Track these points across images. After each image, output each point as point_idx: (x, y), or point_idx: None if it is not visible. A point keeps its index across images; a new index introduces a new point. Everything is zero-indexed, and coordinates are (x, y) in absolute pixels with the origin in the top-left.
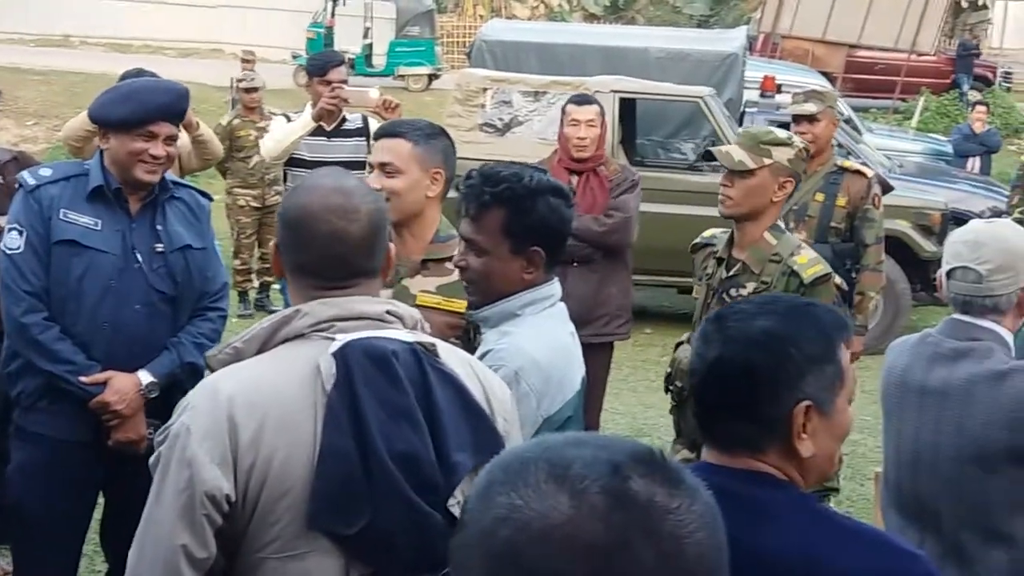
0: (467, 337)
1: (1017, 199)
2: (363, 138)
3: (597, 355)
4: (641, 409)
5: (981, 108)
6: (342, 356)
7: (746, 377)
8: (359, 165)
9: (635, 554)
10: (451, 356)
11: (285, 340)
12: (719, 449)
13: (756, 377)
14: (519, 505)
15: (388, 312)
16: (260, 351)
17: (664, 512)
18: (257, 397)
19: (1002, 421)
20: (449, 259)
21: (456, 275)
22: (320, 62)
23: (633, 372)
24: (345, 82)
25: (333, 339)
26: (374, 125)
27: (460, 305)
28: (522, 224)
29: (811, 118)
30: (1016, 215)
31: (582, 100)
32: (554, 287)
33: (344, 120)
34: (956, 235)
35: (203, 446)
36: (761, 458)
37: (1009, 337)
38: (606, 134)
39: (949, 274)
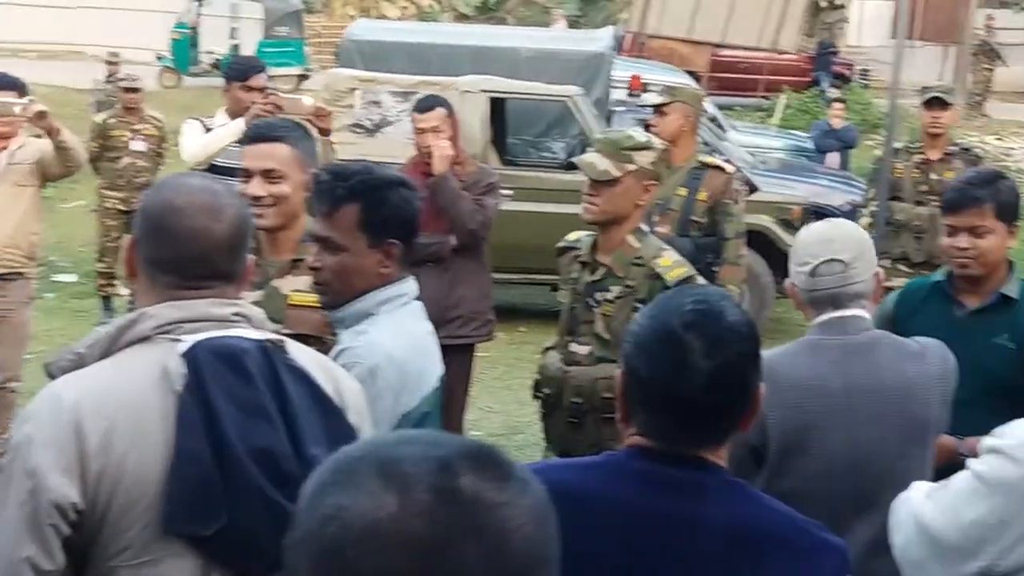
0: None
1: (873, 193)
2: None
3: (456, 357)
4: (516, 407)
5: (839, 105)
6: (191, 357)
7: (744, 375)
8: None
9: (461, 550)
10: (301, 352)
11: (129, 344)
12: (682, 444)
13: (749, 372)
14: (346, 504)
15: (235, 314)
16: (103, 356)
17: (491, 507)
18: (104, 402)
19: (935, 398)
20: None
21: None
22: (241, 68)
23: (508, 370)
24: (265, 88)
25: (180, 340)
26: None
27: None
28: (378, 216)
29: (661, 109)
30: (869, 211)
31: (424, 106)
32: (410, 284)
33: None
34: (803, 240)
35: (47, 455)
36: (713, 450)
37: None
38: (459, 134)
39: (813, 272)
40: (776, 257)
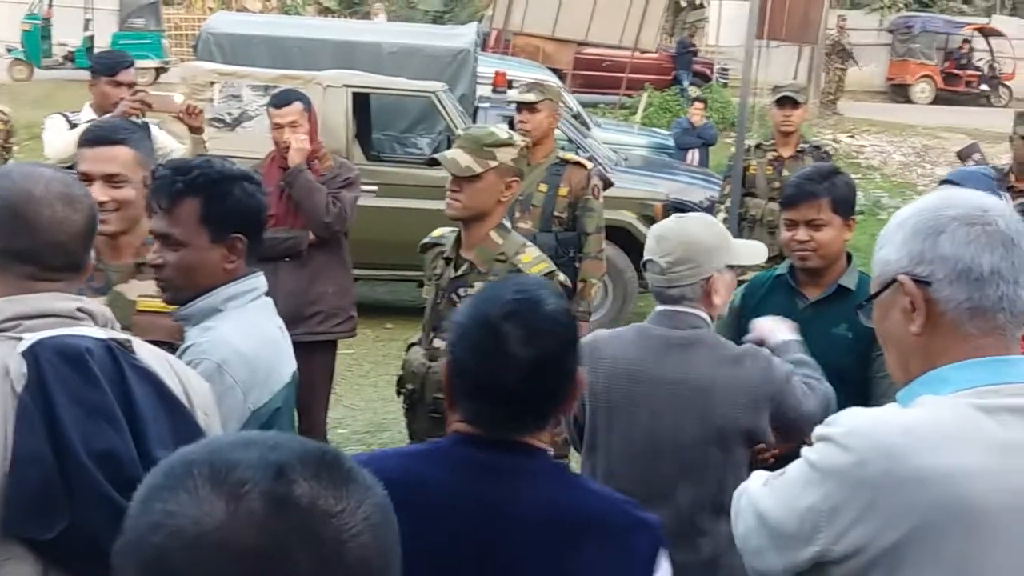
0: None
1: (728, 189)
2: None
3: (316, 354)
4: (381, 404)
5: (699, 104)
6: (32, 355)
7: (562, 363)
8: None
9: (293, 561)
10: (147, 352)
11: None
12: (504, 430)
13: (567, 360)
14: (174, 511)
15: (79, 309)
16: None
17: (326, 516)
18: None
19: (745, 403)
20: None
21: None
22: (108, 62)
23: (374, 367)
24: (134, 84)
25: (20, 339)
26: (157, 133)
27: None
28: (220, 210)
29: (531, 107)
30: (725, 207)
31: (281, 101)
32: (258, 280)
33: None
34: (650, 231)
35: None
36: (535, 434)
37: (709, 320)
38: (317, 128)
39: (644, 267)
40: (638, 252)
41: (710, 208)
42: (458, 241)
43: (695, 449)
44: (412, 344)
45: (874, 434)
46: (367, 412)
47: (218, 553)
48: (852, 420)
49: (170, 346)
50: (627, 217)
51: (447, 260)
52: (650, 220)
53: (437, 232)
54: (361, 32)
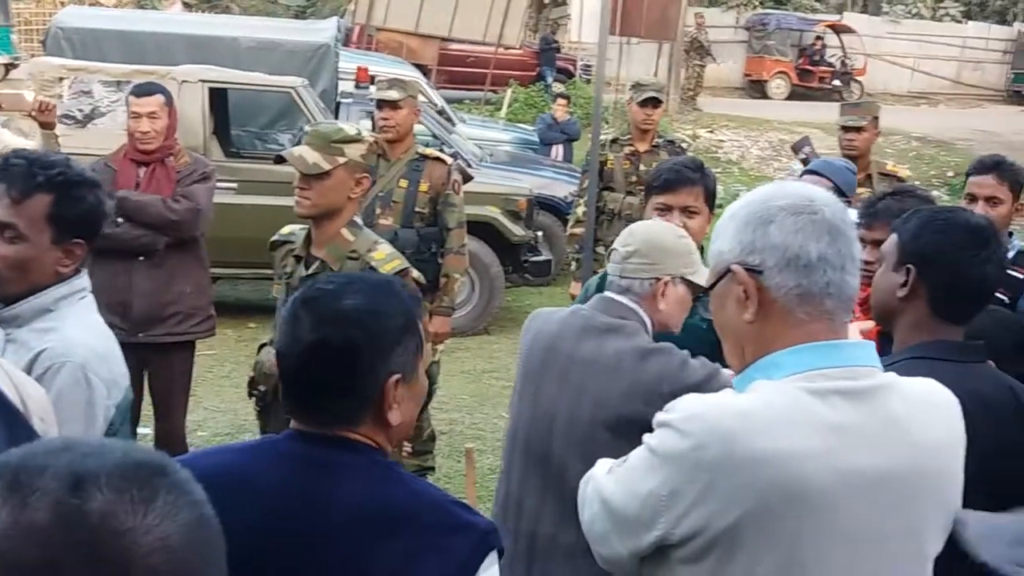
0: None
1: (586, 183)
2: None
3: (175, 356)
4: (243, 405)
5: (562, 99)
6: None
7: (348, 355)
8: None
9: None
10: None
11: None
12: (316, 423)
13: (356, 355)
14: None
15: None
16: None
17: (116, 534)
18: None
19: (640, 394)
20: None
21: None
22: None
23: (236, 368)
24: None
25: None
26: (1, 132)
27: None
28: (69, 212)
29: (394, 104)
30: (583, 201)
31: (143, 91)
32: (84, 279)
33: None
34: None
35: None
36: (354, 429)
37: (649, 321)
38: (176, 125)
39: (609, 254)
40: (504, 248)
41: (572, 203)
42: (308, 239)
43: (586, 426)
44: (264, 345)
45: (711, 418)
46: (228, 414)
47: None
48: (690, 405)
49: None
50: (492, 212)
51: (297, 258)
52: (515, 215)
53: (286, 229)
54: (218, 27)
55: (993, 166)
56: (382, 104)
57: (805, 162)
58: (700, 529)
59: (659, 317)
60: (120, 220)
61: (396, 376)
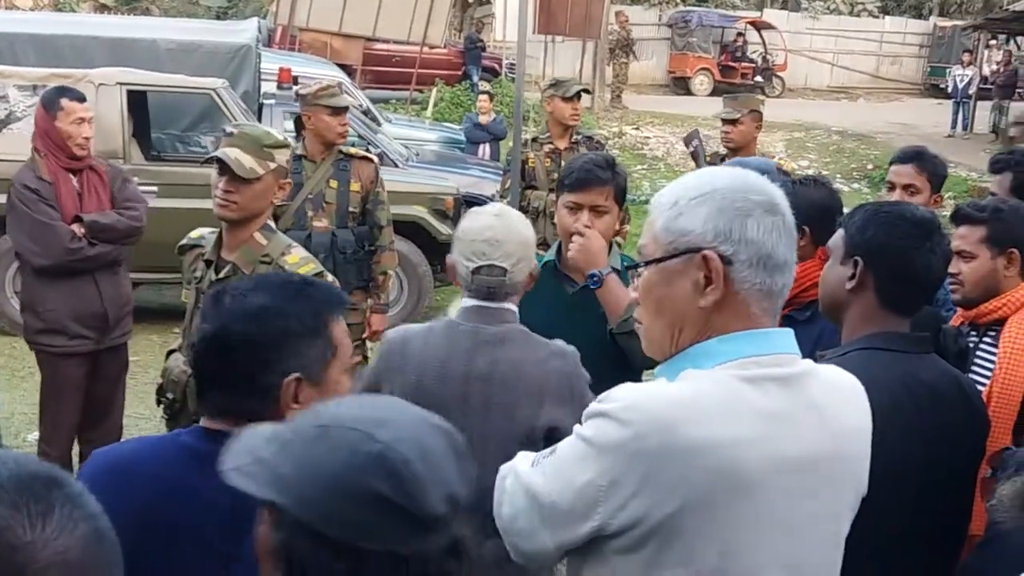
0: None
1: (508, 183)
2: None
3: (119, 355)
4: None
5: (484, 97)
6: None
7: (243, 350)
8: None
9: None
10: None
11: None
12: (219, 417)
13: (251, 350)
14: None
15: None
16: None
17: (12, 548)
18: None
19: (547, 399)
20: None
21: None
22: None
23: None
24: None
25: None
26: None
27: None
28: None
29: (347, 109)
30: (506, 200)
31: (79, 96)
32: None
33: None
34: (470, 232)
35: None
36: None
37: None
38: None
39: (477, 271)
40: (433, 247)
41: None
42: (219, 242)
43: (500, 443)
44: (172, 351)
45: (650, 408)
46: (152, 420)
47: None
48: (627, 395)
49: None
50: (419, 212)
51: (208, 262)
52: (442, 214)
53: (196, 233)
54: (136, 29)
55: (914, 156)
56: (340, 111)
57: (693, 155)
58: (639, 519)
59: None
60: (94, 242)
61: (295, 375)
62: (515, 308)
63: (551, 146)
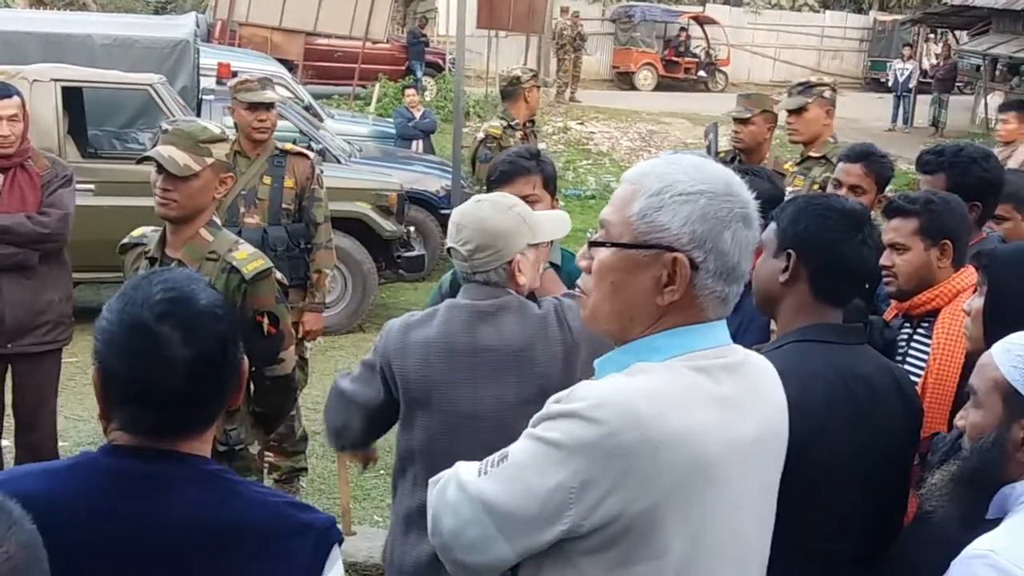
0: None
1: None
2: None
3: (43, 364)
4: None
5: (411, 92)
6: None
7: (222, 351)
8: None
9: None
10: None
11: None
12: (156, 436)
13: (226, 348)
14: None
15: None
16: None
17: None
18: None
19: (558, 355)
20: None
21: None
22: None
23: None
24: None
25: None
26: None
27: None
28: None
29: (270, 106)
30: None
31: (2, 93)
32: None
33: None
34: (451, 216)
35: None
36: (198, 437)
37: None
38: (28, 127)
39: (450, 251)
40: (377, 244)
41: (446, 198)
42: (163, 239)
43: (515, 411)
44: None
45: (620, 403)
46: (91, 423)
47: None
48: (593, 392)
49: None
50: (362, 208)
51: (152, 260)
52: (385, 211)
53: (137, 232)
54: (72, 24)
55: (862, 155)
56: (256, 106)
57: (707, 148)
58: (614, 517)
59: (522, 291)
60: None
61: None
62: (507, 288)
63: (520, 130)
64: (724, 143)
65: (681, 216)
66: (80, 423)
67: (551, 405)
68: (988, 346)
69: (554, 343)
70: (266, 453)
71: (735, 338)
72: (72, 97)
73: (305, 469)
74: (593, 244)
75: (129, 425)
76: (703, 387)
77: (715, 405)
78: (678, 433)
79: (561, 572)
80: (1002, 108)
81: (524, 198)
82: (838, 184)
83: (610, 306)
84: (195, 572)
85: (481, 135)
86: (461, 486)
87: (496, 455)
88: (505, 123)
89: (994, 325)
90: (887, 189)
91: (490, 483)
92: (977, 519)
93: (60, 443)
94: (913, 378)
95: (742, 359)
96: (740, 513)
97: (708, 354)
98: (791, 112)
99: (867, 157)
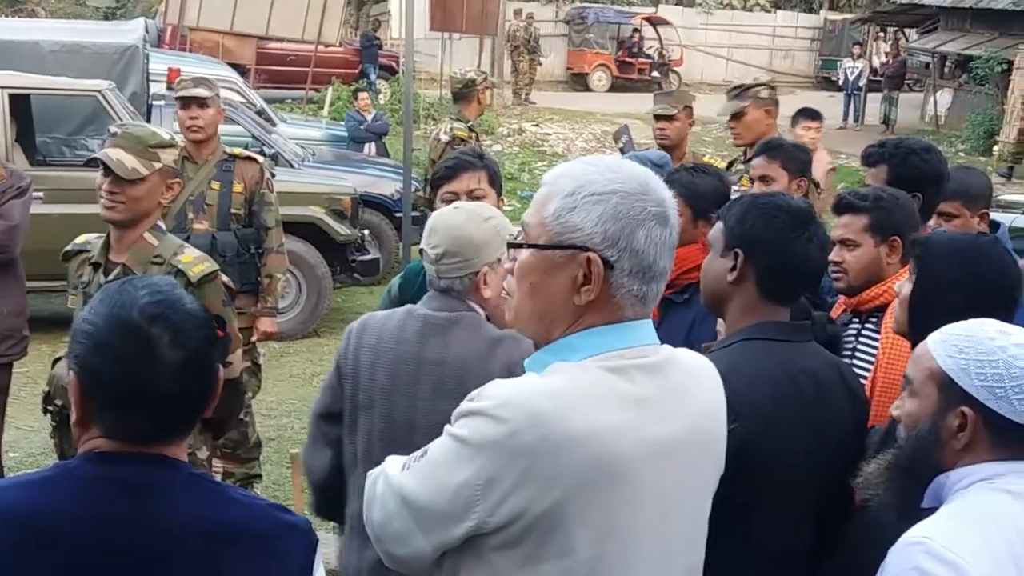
0: None
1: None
2: None
3: None
4: None
5: (363, 95)
6: None
7: (209, 364)
8: None
9: None
10: None
11: None
12: (140, 442)
13: (211, 371)
14: None
15: None
16: None
17: None
18: None
19: (501, 377)
20: None
21: None
22: None
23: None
24: None
25: None
26: None
27: None
28: None
29: (202, 102)
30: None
31: None
32: None
33: None
34: (428, 219)
35: None
36: (179, 443)
37: (480, 309)
38: None
39: (421, 253)
40: (330, 248)
41: (400, 201)
42: (107, 245)
43: (442, 425)
44: (59, 358)
45: (524, 403)
46: (42, 433)
47: None
48: (500, 392)
49: None
50: (316, 212)
51: (96, 265)
52: (339, 215)
53: (81, 239)
54: (19, 31)
55: (762, 149)
56: (189, 102)
57: (622, 151)
58: (518, 515)
59: (486, 304)
60: None
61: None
62: (475, 307)
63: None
64: (644, 141)
65: (594, 216)
66: (32, 434)
67: (465, 402)
68: (912, 331)
69: (494, 370)
70: (220, 460)
71: (689, 335)
72: (20, 104)
73: (259, 475)
74: (512, 246)
75: (116, 431)
76: (616, 387)
77: (627, 405)
78: (580, 433)
79: (476, 567)
80: (797, 116)
81: (470, 193)
82: (752, 181)
83: (531, 306)
84: (197, 574)
85: (446, 137)
86: (387, 479)
87: (420, 451)
88: (467, 125)
89: (919, 311)
90: (838, 186)
91: (410, 478)
92: (913, 508)
93: (11, 454)
94: (862, 373)
95: (664, 359)
96: (660, 515)
97: (626, 354)
98: (731, 117)
99: (767, 149)
